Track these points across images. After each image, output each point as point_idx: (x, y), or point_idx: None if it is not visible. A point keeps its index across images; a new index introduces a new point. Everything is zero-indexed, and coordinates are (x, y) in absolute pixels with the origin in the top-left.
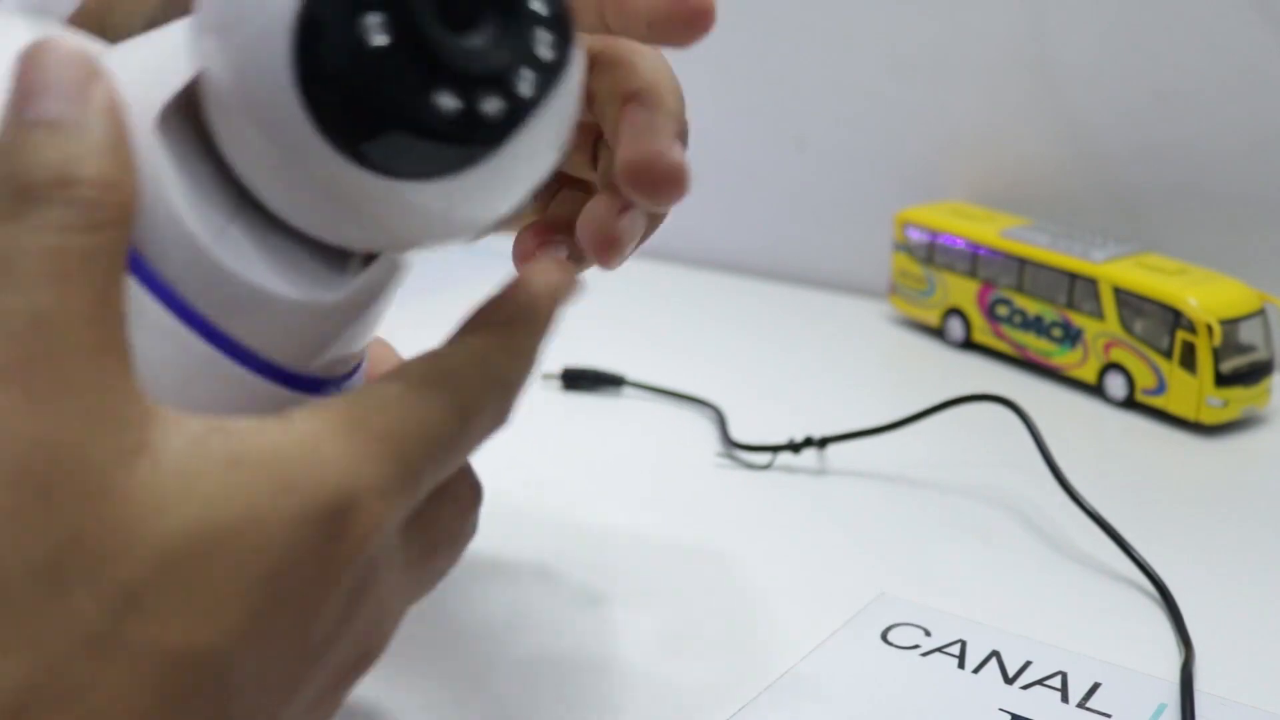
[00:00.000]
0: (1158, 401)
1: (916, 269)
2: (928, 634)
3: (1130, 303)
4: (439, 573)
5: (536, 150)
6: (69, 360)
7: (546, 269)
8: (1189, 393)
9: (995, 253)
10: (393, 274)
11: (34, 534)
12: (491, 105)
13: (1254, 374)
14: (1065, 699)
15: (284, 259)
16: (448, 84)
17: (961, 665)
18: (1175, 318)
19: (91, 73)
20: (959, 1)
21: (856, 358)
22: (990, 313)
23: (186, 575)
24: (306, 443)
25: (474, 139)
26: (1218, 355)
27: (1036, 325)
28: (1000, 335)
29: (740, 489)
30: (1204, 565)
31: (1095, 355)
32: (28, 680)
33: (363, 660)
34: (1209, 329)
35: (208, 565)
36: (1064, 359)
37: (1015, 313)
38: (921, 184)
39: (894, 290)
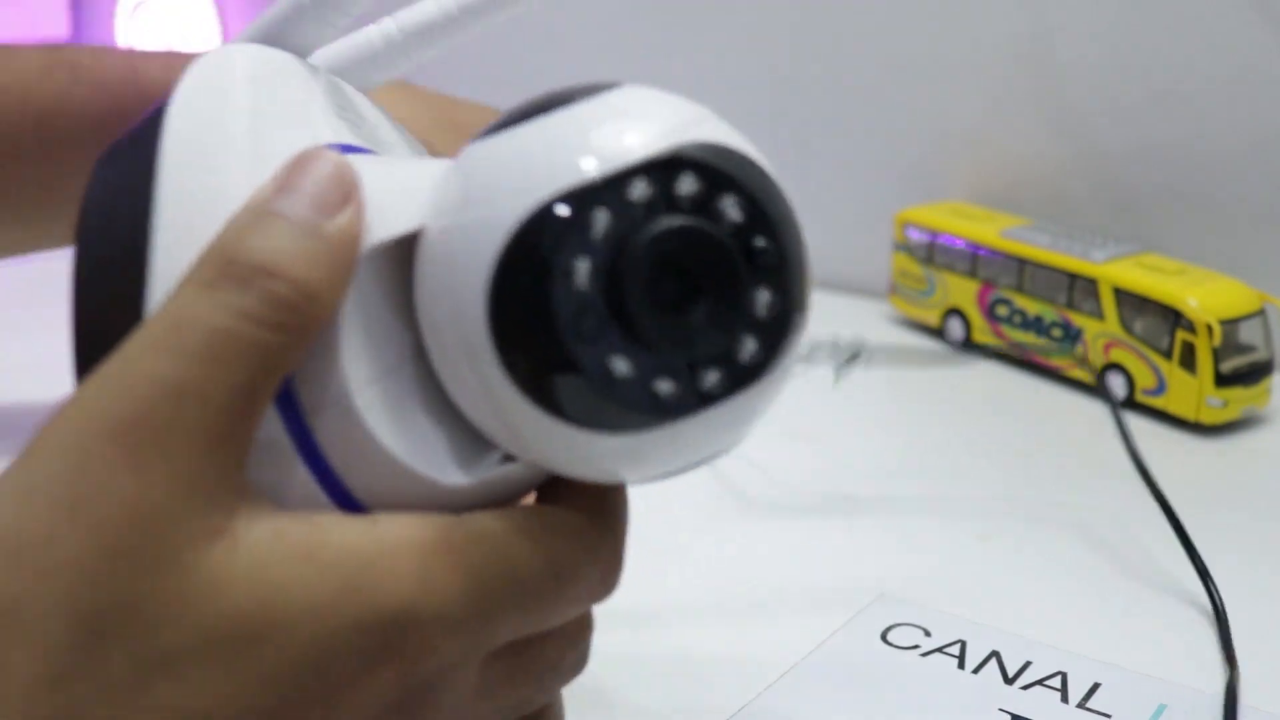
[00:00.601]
0: (1157, 402)
1: (916, 269)
2: (927, 634)
3: (1130, 303)
4: (530, 702)
5: (715, 431)
6: (183, 437)
7: None
8: (1189, 393)
9: (995, 253)
10: (532, 479)
11: (88, 586)
12: (664, 385)
13: (1254, 374)
14: (1065, 699)
15: (426, 427)
16: (624, 349)
17: (961, 665)
18: (1175, 318)
19: (348, 195)
20: (959, 1)
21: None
22: (990, 313)
23: (230, 653)
24: (386, 550)
25: (635, 410)
26: (1218, 355)
27: (1036, 325)
28: (1000, 335)
29: (740, 489)
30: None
31: (1095, 355)
32: (49, 713)
33: None
34: (1209, 329)
35: (254, 648)
36: (1064, 359)
37: (1015, 313)
38: (921, 184)
39: (894, 290)
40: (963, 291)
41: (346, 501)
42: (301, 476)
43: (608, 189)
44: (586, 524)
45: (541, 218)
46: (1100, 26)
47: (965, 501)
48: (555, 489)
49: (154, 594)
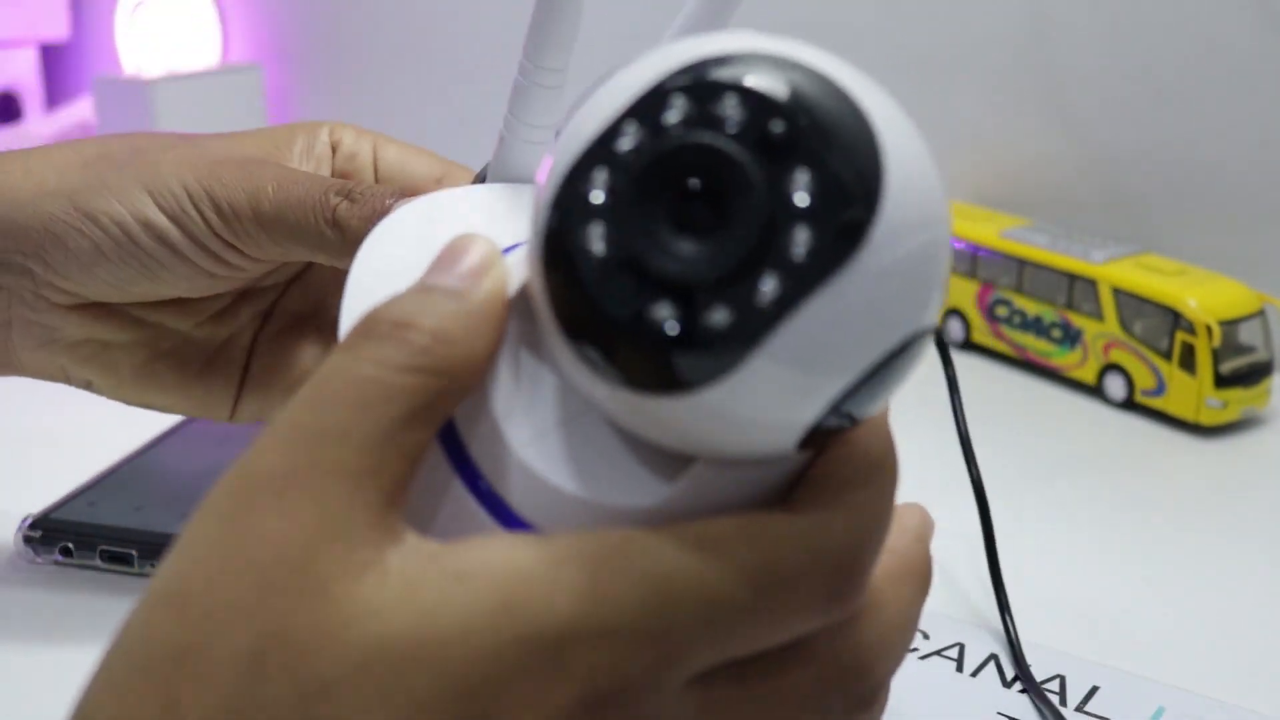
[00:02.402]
0: (1157, 402)
1: None
2: (926, 637)
3: (1130, 304)
4: None
5: (805, 360)
6: (328, 478)
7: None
8: (1188, 394)
9: (995, 253)
10: (716, 479)
11: (246, 624)
12: (719, 317)
13: (1253, 375)
14: (1064, 702)
15: (605, 463)
16: (662, 295)
17: (960, 668)
18: (1175, 319)
19: (489, 264)
20: (959, 1)
21: None
22: (990, 313)
23: (385, 677)
24: (548, 564)
25: (704, 352)
26: (1217, 356)
27: (1036, 326)
28: (999, 336)
29: None
30: (1203, 567)
31: (1095, 356)
32: None
33: None
34: (1208, 330)
35: (409, 671)
36: (1063, 359)
37: (1015, 313)
38: None
39: None
40: (962, 292)
41: (522, 527)
42: (477, 514)
43: (600, 146)
44: (801, 530)
45: (553, 200)
46: (1100, 26)
47: (964, 502)
48: (794, 491)
49: (308, 626)
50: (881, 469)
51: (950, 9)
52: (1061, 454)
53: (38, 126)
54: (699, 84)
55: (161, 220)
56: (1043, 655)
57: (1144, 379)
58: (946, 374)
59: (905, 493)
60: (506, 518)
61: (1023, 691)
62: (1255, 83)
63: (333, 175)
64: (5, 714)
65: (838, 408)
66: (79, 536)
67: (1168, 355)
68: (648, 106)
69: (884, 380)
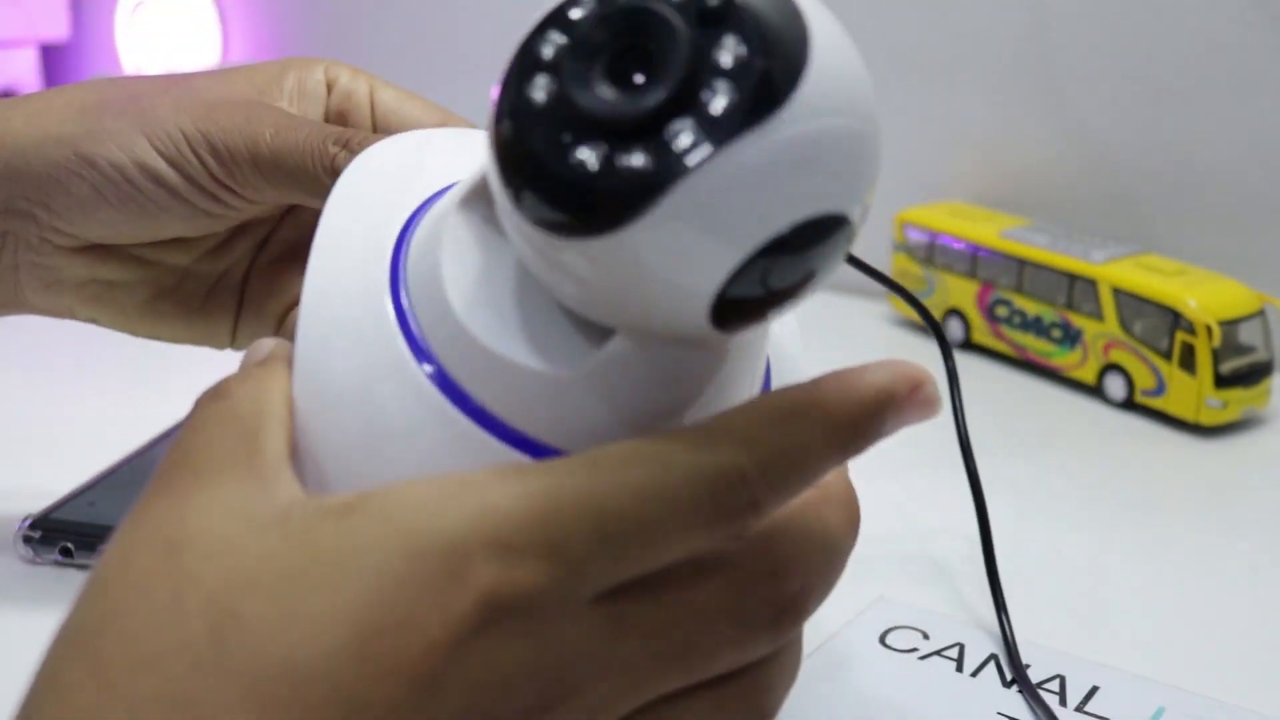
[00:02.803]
0: (1157, 402)
1: (916, 269)
2: (926, 637)
3: (1130, 304)
4: (698, 648)
5: (715, 213)
6: (225, 466)
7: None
8: (1188, 394)
9: (995, 253)
10: (637, 356)
11: (159, 582)
12: (635, 159)
13: (1253, 375)
14: (1064, 702)
15: (540, 333)
16: (588, 138)
17: (960, 669)
18: (1175, 319)
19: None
20: (960, 2)
21: (856, 358)
22: (990, 313)
23: (287, 601)
24: (433, 489)
25: (617, 192)
26: (1217, 356)
27: (1036, 326)
28: (1000, 336)
29: None
30: (1203, 567)
31: (1095, 356)
32: (154, 693)
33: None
34: (1208, 330)
35: (308, 592)
36: (1063, 359)
37: (1015, 313)
38: (921, 184)
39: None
40: (962, 292)
41: (494, 427)
42: (445, 410)
43: (558, 13)
44: (691, 449)
45: (510, 60)
46: (1100, 27)
47: (964, 503)
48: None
49: (215, 572)
50: (802, 415)
51: (950, 9)
52: (1061, 454)
53: None
54: None
55: (160, 165)
56: (1042, 655)
57: (1144, 379)
58: (947, 366)
59: (905, 493)
60: (451, 390)
61: (1022, 692)
62: (1255, 83)
63: (326, 114)
64: (5, 713)
65: (744, 275)
66: (79, 536)
67: (1168, 355)
68: None
69: (794, 258)
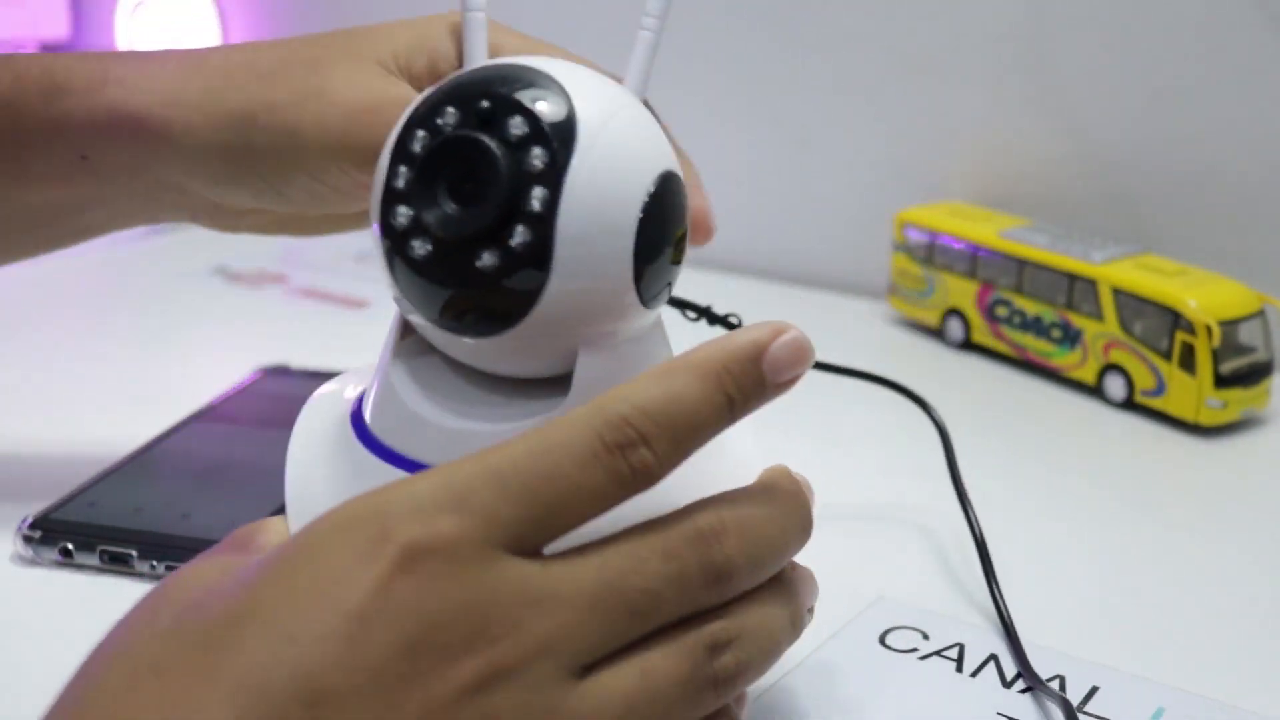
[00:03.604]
0: (1157, 403)
1: (916, 269)
2: (926, 637)
3: (1130, 304)
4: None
5: (555, 313)
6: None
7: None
8: (1188, 394)
9: (995, 253)
10: (608, 368)
11: (138, 615)
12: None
13: (1253, 375)
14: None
15: (459, 396)
16: (424, 235)
17: (959, 669)
18: (1175, 319)
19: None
20: (959, 1)
21: (856, 358)
22: (990, 313)
23: (242, 583)
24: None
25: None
26: (1217, 356)
27: (1036, 326)
28: (999, 336)
29: None
30: (1203, 568)
31: (1095, 356)
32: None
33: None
34: (1208, 330)
35: (264, 573)
36: (1063, 360)
37: (1015, 313)
38: (921, 184)
39: (893, 290)
40: (962, 292)
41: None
42: (374, 466)
43: (399, 147)
44: (579, 409)
45: (382, 193)
46: (1100, 27)
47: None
48: None
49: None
50: (679, 370)
51: (950, 9)
52: (1061, 454)
53: None
54: (461, 96)
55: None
56: (1042, 655)
57: (1144, 379)
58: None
59: (905, 493)
60: (404, 464)
61: (1023, 691)
62: (1255, 83)
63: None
64: (5, 713)
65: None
66: (79, 537)
67: (1168, 355)
68: (427, 115)
69: (646, 242)
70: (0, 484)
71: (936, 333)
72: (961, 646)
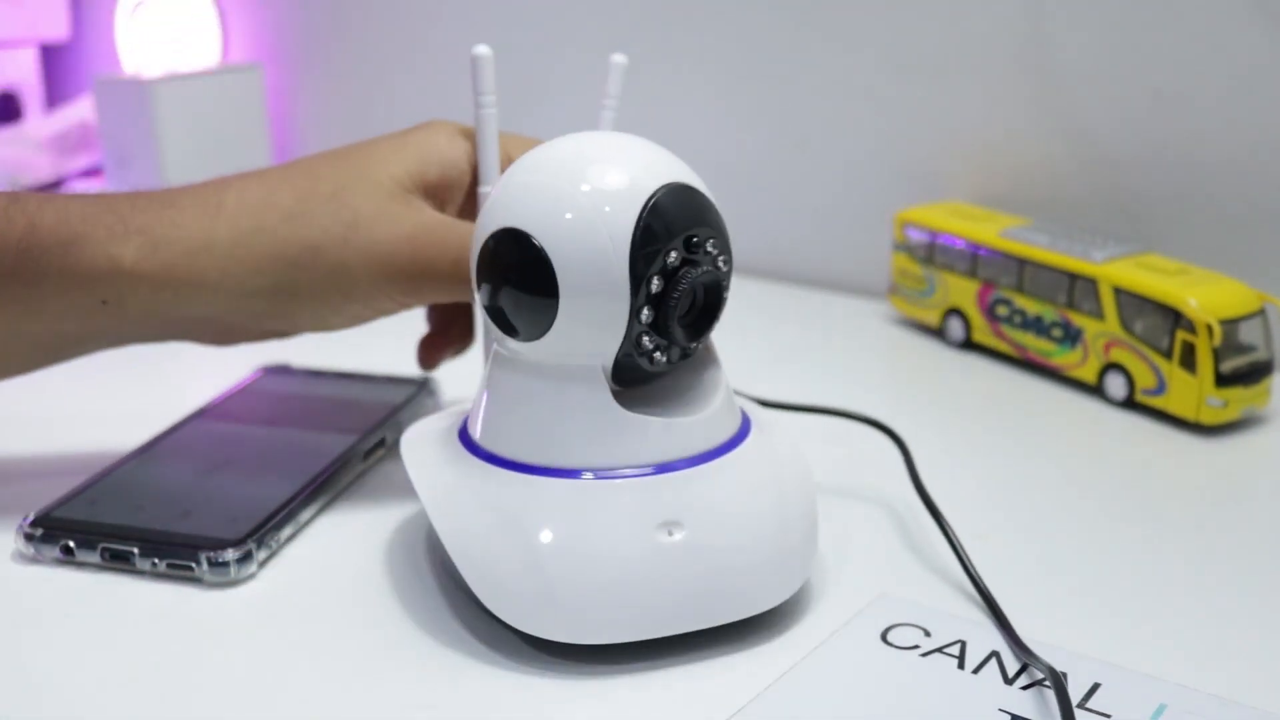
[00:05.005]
0: (1158, 402)
1: (916, 269)
2: (927, 634)
3: (1130, 303)
4: None
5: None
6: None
7: None
8: (1189, 393)
9: (995, 253)
10: None
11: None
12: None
13: (1254, 374)
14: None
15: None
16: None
17: (961, 666)
18: (1175, 318)
19: None
20: (959, 2)
21: (856, 358)
22: (990, 313)
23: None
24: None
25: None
26: (1218, 355)
27: (1036, 325)
28: (1000, 335)
29: None
30: (1204, 566)
31: (1095, 355)
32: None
33: None
34: (1209, 329)
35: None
36: (1064, 359)
37: (1015, 313)
38: (921, 184)
39: (894, 290)
40: (963, 291)
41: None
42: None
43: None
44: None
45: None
46: (1100, 26)
47: (965, 501)
48: None
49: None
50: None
51: (950, 9)
52: (1062, 453)
53: (38, 126)
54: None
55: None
56: (1043, 652)
57: (1144, 378)
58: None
59: (905, 493)
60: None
61: (1025, 688)
62: (1255, 83)
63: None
64: (6, 713)
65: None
66: (80, 535)
67: (1168, 354)
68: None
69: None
70: (1, 482)
71: (937, 332)
72: (963, 643)
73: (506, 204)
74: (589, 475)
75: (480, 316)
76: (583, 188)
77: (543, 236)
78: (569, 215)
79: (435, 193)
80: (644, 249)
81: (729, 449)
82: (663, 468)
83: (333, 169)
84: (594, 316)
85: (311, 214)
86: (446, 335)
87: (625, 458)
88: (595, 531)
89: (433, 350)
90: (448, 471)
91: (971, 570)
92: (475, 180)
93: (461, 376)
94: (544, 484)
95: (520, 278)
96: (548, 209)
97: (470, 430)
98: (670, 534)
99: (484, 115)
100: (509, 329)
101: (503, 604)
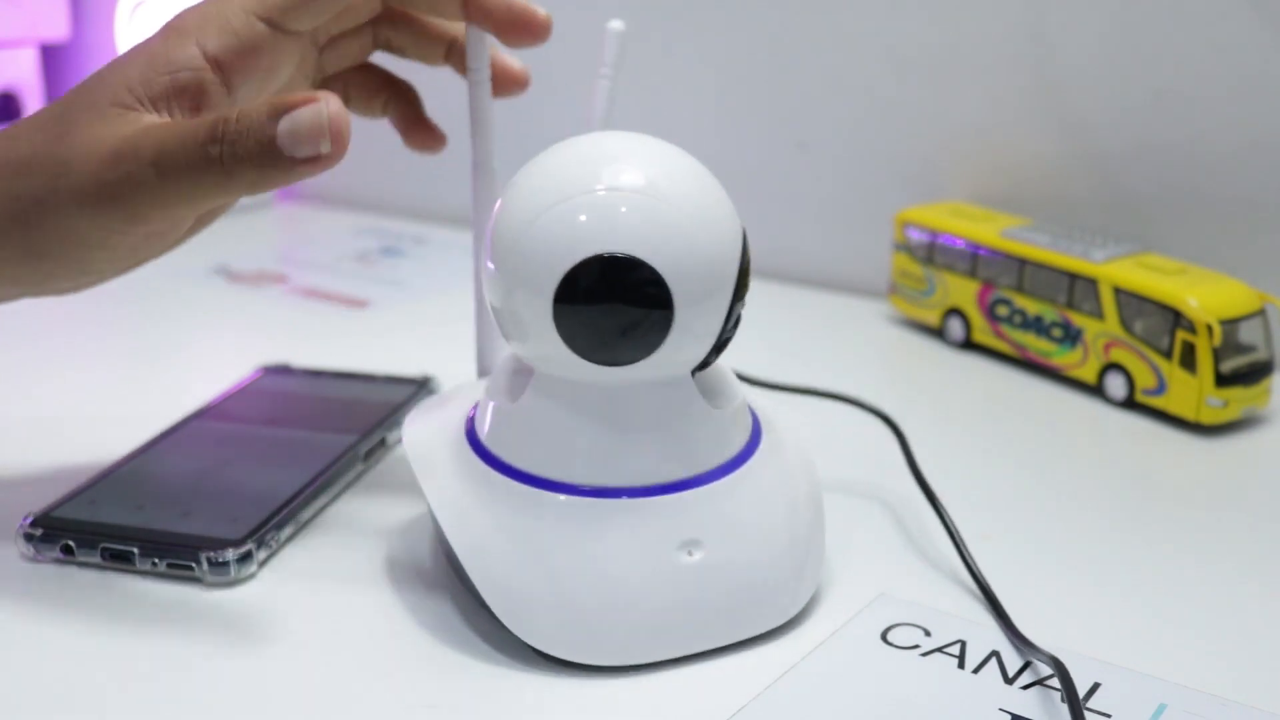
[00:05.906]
0: (1158, 402)
1: (916, 269)
2: (927, 634)
3: (1130, 303)
4: None
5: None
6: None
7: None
8: (1189, 393)
9: (995, 253)
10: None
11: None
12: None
13: (1254, 374)
14: (1065, 699)
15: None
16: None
17: (961, 665)
18: (1175, 318)
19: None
20: (959, 2)
21: (856, 358)
22: (990, 313)
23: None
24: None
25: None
26: (1218, 355)
27: (1036, 325)
28: (1000, 335)
29: None
30: (1204, 566)
31: (1095, 355)
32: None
33: None
34: (1209, 329)
35: None
36: (1064, 359)
37: (1015, 313)
38: (921, 184)
39: (894, 290)
40: (963, 291)
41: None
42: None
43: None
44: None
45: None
46: (1100, 26)
47: (966, 501)
48: None
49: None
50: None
51: (950, 9)
52: (1062, 453)
53: None
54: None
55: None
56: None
57: (1144, 378)
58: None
59: (906, 492)
60: (502, 468)
61: (1026, 688)
62: (1255, 83)
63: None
64: (5, 712)
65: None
66: (80, 535)
67: (1168, 354)
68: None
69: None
70: (1, 482)
71: (937, 332)
72: (963, 643)
73: (599, 227)
74: (613, 495)
75: (478, 321)
76: (685, 208)
77: (655, 259)
78: (682, 240)
79: (166, 102)
80: (745, 256)
81: (745, 459)
82: (685, 484)
83: (65, 102)
84: (702, 328)
85: (38, 163)
86: (416, 125)
87: (640, 476)
88: (619, 554)
89: (417, 135)
90: (462, 484)
91: (971, 564)
92: (254, 66)
93: (463, 377)
94: (567, 504)
95: (637, 300)
96: (653, 232)
97: (484, 438)
98: (690, 554)
99: (476, 80)
100: (596, 351)
101: (525, 625)
